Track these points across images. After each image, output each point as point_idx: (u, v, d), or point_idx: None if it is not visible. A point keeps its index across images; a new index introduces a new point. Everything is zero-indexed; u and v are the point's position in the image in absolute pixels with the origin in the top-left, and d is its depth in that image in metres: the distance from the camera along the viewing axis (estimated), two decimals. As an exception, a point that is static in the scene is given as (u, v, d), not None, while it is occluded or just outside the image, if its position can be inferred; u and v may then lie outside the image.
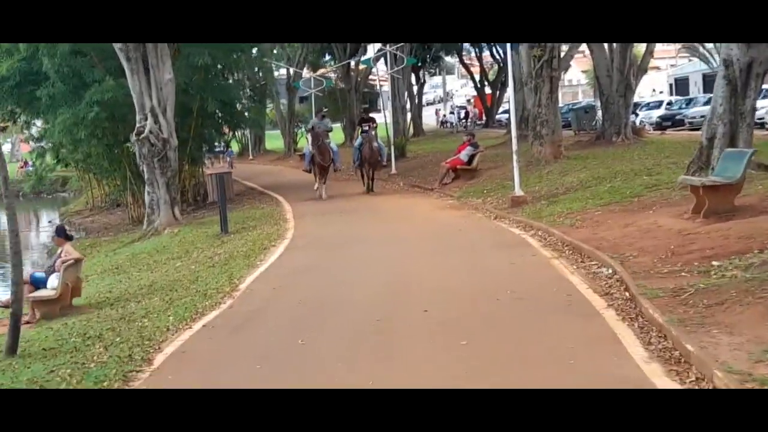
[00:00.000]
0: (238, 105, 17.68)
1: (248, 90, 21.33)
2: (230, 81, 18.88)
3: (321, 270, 6.91)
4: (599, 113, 18.46)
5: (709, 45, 33.93)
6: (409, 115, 29.96)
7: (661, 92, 37.34)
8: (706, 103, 20.81)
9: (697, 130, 18.49)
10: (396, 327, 4.63)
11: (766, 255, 4.78)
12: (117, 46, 11.73)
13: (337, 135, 19.18)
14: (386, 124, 18.38)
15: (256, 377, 3.85)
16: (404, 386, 3.35)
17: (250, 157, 32.81)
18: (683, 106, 23.72)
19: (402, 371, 3.77)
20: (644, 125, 21.19)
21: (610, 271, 5.43)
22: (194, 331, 4.90)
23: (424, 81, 37.76)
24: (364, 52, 29.24)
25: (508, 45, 11.15)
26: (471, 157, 13.57)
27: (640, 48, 18.98)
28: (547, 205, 9.02)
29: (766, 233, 5.33)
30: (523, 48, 13.14)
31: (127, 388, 3.87)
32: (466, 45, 33.19)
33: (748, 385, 2.94)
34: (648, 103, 26.36)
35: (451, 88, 53.94)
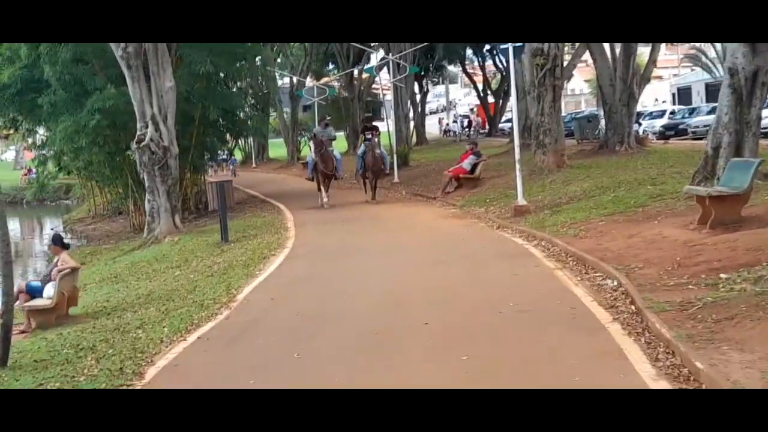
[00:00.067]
0: (240, 113, 17.67)
1: (251, 98, 21.35)
2: (233, 90, 18.91)
3: (320, 280, 6.80)
4: (602, 122, 18.39)
5: (712, 54, 33.98)
6: (412, 124, 29.96)
7: (663, 102, 37.27)
8: (710, 112, 20.75)
9: (700, 139, 18.40)
10: (395, 340, 4.51)
11: (775, 268, 4.65)
12: (118, 53, 11.72)
13: (340, 143, 19.12)
14: (389, 132, 18.34)
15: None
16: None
17: (254, 165, 32.84)
18: (686, 115, 23.63)
19: (399, 387, 3.63)
20: (647, 134, 21.10)
21: (615, 283, 5.30)
22: (188, 344, 4.79)
23: (427, 90, 37.83)
24: (368, 60, 29.33)
25: (511, 54, 11.09)
26: (474, 166, 13.48)
27: (643, 57, 18.96)
28: (551, 215, 8.91)
29: (775, 245, 5.20)
30: (525, 56, 13.09)
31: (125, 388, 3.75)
32: (469, 53, 33.27)
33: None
34: (651, 113, 26.28)
35: (454, 97, 54.09)
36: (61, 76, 13.28)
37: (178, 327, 5.21)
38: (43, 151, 17.26)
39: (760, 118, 8.32)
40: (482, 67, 33.91)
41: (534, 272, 6.22)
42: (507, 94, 29.79)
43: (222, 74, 16.20)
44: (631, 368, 3.62)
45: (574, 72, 27.45)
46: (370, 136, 13.58)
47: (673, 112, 25.06)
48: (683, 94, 35.49)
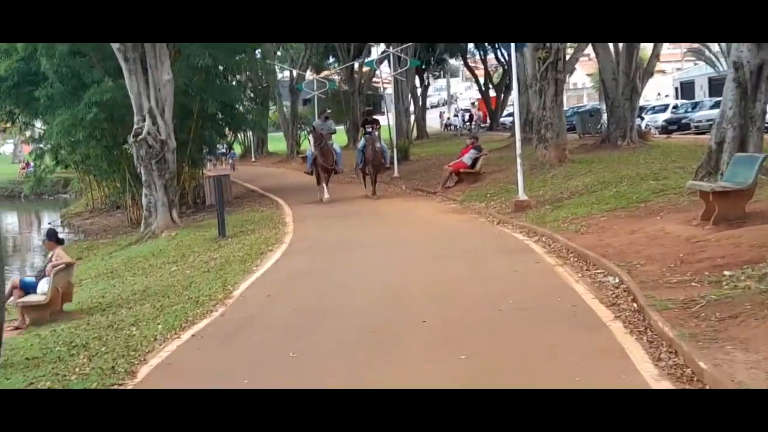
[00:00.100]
0: (239, 107, 17.54)
1: (250, 92, 21.23)
2: (233, 83, 18.77)
3: (318, 275, 6.72)
4: (604, 116, 18.24)
5: (716, 48, 33.74)
6: (412, 118, 29.82)
7: (666, 96, 37.06)
8: (713, 107, 20.60)
9: (703, 134, 18.27)
10: (392, 338, 4.43)
11: (781, 265, 4.56)
12: (115, 46, 11.60)
13: (340, 137, 19.01)
14: (389, 126, 18.22)
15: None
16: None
17: (253, 159, 32.73)
18: (689, 109, 23.47)
19: (397, 387, 3.55)
20: (650, 129, 20.94)
21: (617, 280, 5.22)
22: (182, 341, 4.71)
23: (428, 84, 37.63)
24: (368, 54, 29.13)
25: (513, 47, 10.96)
26: (474, 161, 13.37)
27: (646, 51, 18.77)
28: (552, 210, 8.81)
29: (780, 241, 5.11)
30: (527, 50, 12.94)
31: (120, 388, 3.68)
32: (471, 47, 33.08)
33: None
34: (653, 107, 26.12)
35: (455, 90, 53.85)
36: (58, 69, 13.16)
37: (172, 324, 5.13)
38: (40, 145, 17.17)
39: (765, 113, 8.21)
40: (484, 61, 33.72)
41: (534, 268, 6.13)
42: (508, 88, 29.63)
43: (221, 67, 16.07)
44: (633, 368, 3.54)
45: (576, 66, 27.22)
46: (370, 129, 13.41)
47: (675, 107, 24.90)
48: (686, 89, 35.28)
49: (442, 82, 49.88)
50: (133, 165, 13.17)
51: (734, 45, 8.23)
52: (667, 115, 23.69)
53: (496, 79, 34.44)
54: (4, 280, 5.02)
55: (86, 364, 4.36)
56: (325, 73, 32.27)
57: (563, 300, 4.93)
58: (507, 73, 28.92)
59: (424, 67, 32.02)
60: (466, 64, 37.31)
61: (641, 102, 18.85)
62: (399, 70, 21.62)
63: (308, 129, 16.85)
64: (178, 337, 4.82)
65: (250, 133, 31.23)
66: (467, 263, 6.63)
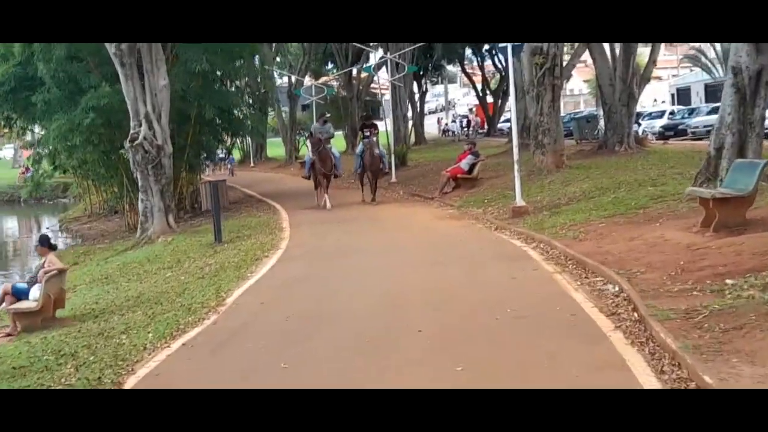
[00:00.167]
0: (237, 112, 17.48)
1: (248, 97, 21.14)
2: (231, 89, 18.70)
3: (313, 282, 6.62)
4: (601, 122, 18.23)
5: (712, 55, 33.84)
6: (410, 124, 29.78)
7: (663, 102, 37.12)
8: (709, 113, 20.62)
9: (700, 140, 18.25)
10: (387, 349, 4.33)
11: (784, 273, 4.48)
12: (111, 50, 11.53)
13: (338, 142, 18.95)
14: (387, 132, 18.17)
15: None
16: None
17: (252, 164, 32.68)
18: (686, 115, 23.49)
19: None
20: (647, 135, 20.94)
21: (617, 288, 5.13)
22: (172, 351, 4.61)
23: (426, 89, 37.65)
24: (366, 59, 29.13)
25: (510, 52, 10.91)
26: (472, 166, 13.31)
27: (643, 57, 18.79)
28: (549, 216, 8.74)
29: (782, 249, 5.03)
30: (524, 55, 12.92)
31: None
32: (468, 53, 33.12)
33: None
34: (650, 113, 26.15)
35: (453, 96, 53.92)
36: (55, 74, 13.10)
37: (162, 333, 5.03)
38: (38, 150, 17.08)
39: (764, 119, 8.15)
40: (481, 67, 33.78)
41: (532, 276, 6.04)
42: (506, 94, 29.66)
43: (219, 72, 16.01)
44: (635, 381, 3.44)
45: (573, 72, 27.29)
46: (368, 134, 13.33)
47: (672, 113, 24.92)
48: (682, 95, 35.36)
49: (440, 88, 49.98)
50: (131, 170, 13.09)
51: (733, 50, 8.18)
52: (664, 121, 23.71)
53: (493, 85, 34.47)
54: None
55: (72, 375, 4.26)
56: (323, 78, 32.26)
57: (562, 309, 4.84)
58: (504, 79, 28.95)
59: (421, 73, 32.04)
60: (463, 70, 37.37)
61: (638, 108, 18.84)
62: (397, 76, 21.60)
63: (306, 134, 16.76)
64: (168, 346, 4.71)
65: (249, 139, 31.15)
66: (464, 270, 6.55)
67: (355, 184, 14.71)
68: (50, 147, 15.20)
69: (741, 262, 5.04)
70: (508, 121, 25.60)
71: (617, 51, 15.24)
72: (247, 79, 22.95)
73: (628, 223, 7.36)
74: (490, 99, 33.93)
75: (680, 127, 22.04)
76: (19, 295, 6.80)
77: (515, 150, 9.72)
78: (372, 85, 30.65)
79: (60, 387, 4.04)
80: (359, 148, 13.80)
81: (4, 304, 6.78)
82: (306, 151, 15.18)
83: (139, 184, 12.11)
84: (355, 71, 28.70)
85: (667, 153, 14.46)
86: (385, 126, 18.90)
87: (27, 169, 29.91)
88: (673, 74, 44.12)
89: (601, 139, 16.38)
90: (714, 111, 19.09)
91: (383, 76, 25.60)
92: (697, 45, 34.42)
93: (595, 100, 30.56)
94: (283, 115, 31.94)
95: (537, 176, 11.77)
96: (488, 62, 33.04)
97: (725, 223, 6.14)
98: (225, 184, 12.97)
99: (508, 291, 5.54)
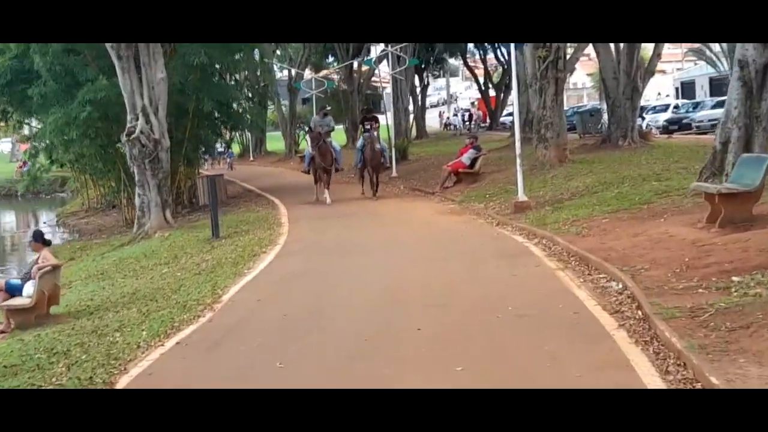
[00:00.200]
0: (236, 106, 17.34)
1: (247, 91, 21.01)
2: (231, 82, 18.55)
3: (311, 279, 6.52)
4: (605, 116, 18.06)
5: (716, 48, 33.55)
6: (411, 117, 29.61)
7: (667, 96, 36.89)
8: (714, 106, 20.44)
9: (705, 134, 18.10)
10: (385, 348, 4.23)
11: (792, 271, 4.37)
12: (108, 44, 11.39)
13: (339, 136, 18.80)
14: (388, 125, 18.02)
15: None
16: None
17: (251, 158, 32.56)
18: (690, 109, 23.31)
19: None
20: (651, 129, 20.77)
21: (620, 285, 5.02)
22: (166, 349, 4.51)
23: (428, 83, 37.46)
24: (367, 53, 28.93)
25: (512, 46, 10.77)
26: (473, 161, 13.17)
27: (648, 50, 18.58)
28: (552, 212, 8.62)
29: (790, 246, 4.91)
30: (527, 49, 12.74)
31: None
32: (470, 47, 32.89)
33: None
34: (654, 107, 25.97)
35: (455, 90, 53.70)
36: (52, 67, 12.97)
37: (157, 331, 4.93)
38: (35, 143, 16.97)
39: (770, 113, 7.99)
40: (483, 60, 33.54)
41: (534, 272, 5.94)
42: (508, 88, 29.43)
43: (217, 66, 15.87)
44: (640, 382, 3.33)
45: (576, 65, 27.05)
46: (369, 127, 13.17)
47: (677, 107, 24.73)
48: (687, 88, 35.12)
49: (441, 81, 49.72)
50: (128, 164, 12.98)
51: (739, 43, 8.03)
52: (668, 115, 23.52)
53: (495, 78, 34.27)
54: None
55: (64, 374, 4.17)
56: (323, 72, 32.08)
57: (564, 306, 4.73)
58: (507, 72, 28.75)
59: (423, 66, 31.83)
60: (465, 64, 37.14)
61: (642, 102, 18.68)
62: (398, 69, 21.43)
63: (306, 129, 16.61)
64: (162, 345, 4.62)
65: (248, 133, 31.03)
66: (465, 266, 6.44)
67: (355, 178, 14.57)
68: (47, 141, 15.09)
69: (747, 258, 4.93)
70: (510, 114, 25.47)
71: (621, 45, 15.05)
72: (246, 72, 22.82)
73: (632, 219, 7.24)
74: (492, 92, 33.76)
75: (684, 121, 21.87)
76: (13, 291, 6.71)
77: (517, 144, 9.58)
78: (373, 79, 30.48)
79: (51, 387, 3.95)
80: (360, 142, 13.64)
81: (-3, 301, 6.69)
82: (306, 145, 15.01)
83: (136, 178, 12.00)
84: (356, 64, 28.50)
85: (672, 147, 14.31)
86: (386, 120, 18.75)
87: (24, 163, 29.83)
88: (677, 68, 43.82)
89: (605, 133, 16.22)
90: (719, 105, 18.95)
91: (384, 70, 25.41)
92: (701, 38, 34.11)
93: (599, 94, 30.31)
94: (283, 108, 31.81)
95: (539, 171, 11.63)
96: (491, 55, 32.80)
97: (731, 219, 6.02)
98: (222, 178, 12.84)
99: (509, 288, 5.44)
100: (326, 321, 4.93)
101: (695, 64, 38.20)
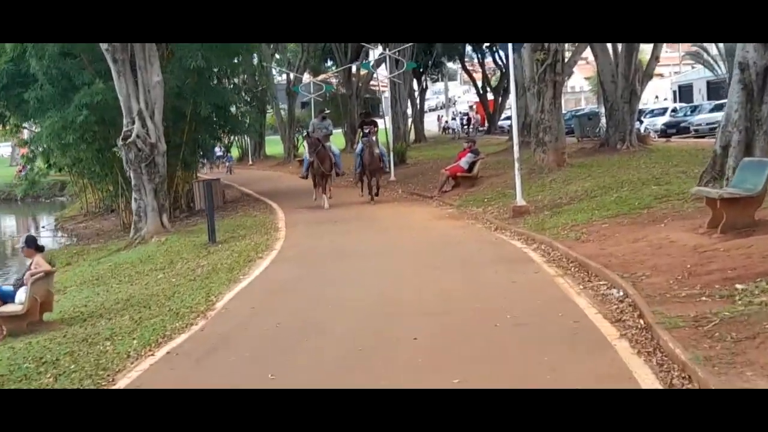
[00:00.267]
0: (234, 110, 17.25)
1: (244, 94, 20.91)
2: (229, 86, 18.46)
3: (306, 286, 6.42)
4: (603, 120, 18.01)
5: (714, 51, 33.57)
6: (410, 121, 29.55)
7: (665, 99, 36.91)
8: (712, 110, 20.40)
9: (703, 137, 18.04)
10: (380, 359, 4.13)
11: (797, 278, 4.27)
12: (103, 46, 11.32)
13: (338, 140, 18.72)
14: (386, 129, 17.95)
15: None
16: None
17: (250, 162, 32.47)
18: (688, 113, 23.27)
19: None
20: (649, 132, 20.72)
21: (621, 293, 4.92)
22: (156, 359, 4.41)
23: (426, 87, 37.42)
24: (366, 56, 28.89)
25: (510, 49, 10.70)
26: (471, 165, 13.10)
27: (645, 53, 18.55)
28: (551, 216, 8.53)
29: (794, 252, 4.82)
30: (525, 52, 12.69)
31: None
32: (468, 50, 32.88)
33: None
34: (652, 110, 25.93)
35: (453, 94, 53.72)
36: (48, 71, 12.88)
37: (148, 339, 4.83)
38: (32, 147, 16.87)
39: (771, 116, 7.92)
40: (482, 64, 33.55)
41: (533, 279, 5.84)
42: (506, 92, 29.39)
43: (215, 69, 15.78)
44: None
45: (574, 69, 27.05)
46: (367, 131, 13.10)
47: (674, 110, 24.70)
48: (684, 92, 35.13)
49: (440, 85, 49.75)
50: (125, 168, 12.88)
51: (740, 45, 7.96)
52: (667, 118, 23.49)
53: (494, 82, 34.27)
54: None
55: (51, 385, 4.07)
56: (322, 75, 32.00)
57: (564, 315, 4.63)
58: (505, 76, 28.76)
59: (421, 70, 31.81)
60: (463, 67, 37.12)
61: (640, 105, 18.63)
62: (396, 73, 21.38)
63: (304, 133, 16.52)
64: (152, 354, 4.52)
65: (246, 137, 30.94)
66: (463, 273, 6.35)
67: (353, 183, 14.49)
68: (44, 145, 14.99)
69: (751, 265, 4.84)
70: (508, 118, 25.42)
71: (619, 47, 15.00)
72: (244, 76, 22.73)
73: (632, 224, 7.16)
74: (490, 96, 33.73)
75: (683, 124, 21.84)
76: (5, 297, 6.60)
77: (516, 148, 9.51)
78: (371, 82, 30.41)
79: (35, 399, 3.83)
80: (358, 147, 13.55)
81: (-11, 308, 6.58)
82: (304, 149, 14.92)
83: (133, 183, 11.91)
84: (354, 68, 28.46)
85: (670, 151, 14.24)
86: (384, 123, 18.68)
87: (24, 166, 29.70)
88: (675, 71, 43.87)
89: (603, 137, 16.15)
90: (717, 108, 18.92)
91: (382, 73, 25.36)
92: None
93: (597, 98, 30.34)
94: (282, 112, 31.71)
95: (538, 175, 11.56)
96: (489, 59, 32.82)
97: (733, 224, 5.93)
98: (219, 182, 12.73)
99: (507, 295, 5.34)
100: (320, 330, 4.83)
101: (693, 67, 38.21)
